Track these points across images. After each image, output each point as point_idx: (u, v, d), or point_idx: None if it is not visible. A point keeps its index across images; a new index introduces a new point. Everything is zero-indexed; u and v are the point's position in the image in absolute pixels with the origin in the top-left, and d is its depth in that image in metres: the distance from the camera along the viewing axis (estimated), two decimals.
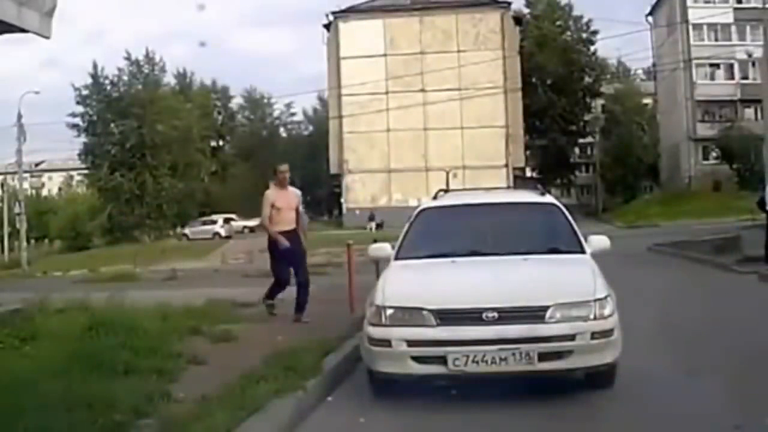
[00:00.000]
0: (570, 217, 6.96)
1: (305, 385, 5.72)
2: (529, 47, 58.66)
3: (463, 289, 5.83)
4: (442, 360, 5.44)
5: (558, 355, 5.40)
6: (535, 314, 5.44)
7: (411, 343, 5.53)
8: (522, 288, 5.75)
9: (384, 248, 7.09)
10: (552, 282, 5.85)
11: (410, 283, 6.13)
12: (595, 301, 5.56)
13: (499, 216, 7.12)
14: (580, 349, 5.41)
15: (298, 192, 10.03)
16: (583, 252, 6.56)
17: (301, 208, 9.84)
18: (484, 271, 6.15)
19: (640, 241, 25.04)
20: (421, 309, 5.57)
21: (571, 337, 5.40)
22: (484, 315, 5.46)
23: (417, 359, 5.51)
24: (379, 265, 7.61)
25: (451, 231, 7.01)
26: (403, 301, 5.72)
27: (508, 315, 5.43)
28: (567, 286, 5.75)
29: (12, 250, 50.28)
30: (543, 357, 5.36)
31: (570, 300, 5.53)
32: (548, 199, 7.48)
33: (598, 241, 6.75)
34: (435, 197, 7.81)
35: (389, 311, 5.69)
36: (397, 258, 6.73)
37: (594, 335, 5.44)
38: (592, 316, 5.50)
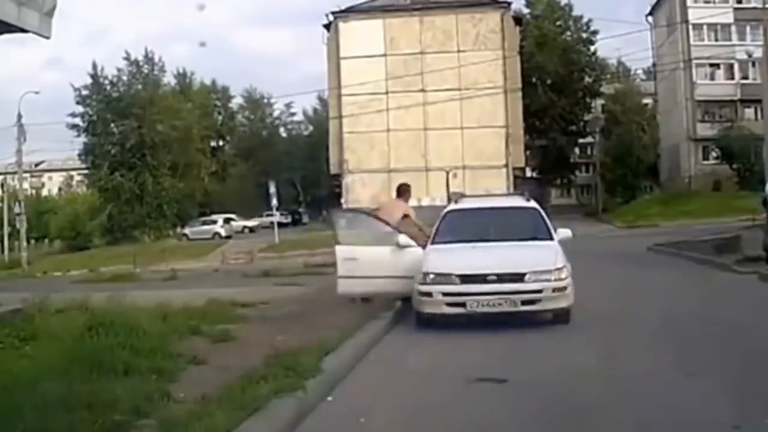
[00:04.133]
0: (545, 216, 10.30)
1: (305, 385, 5.71)
2: (529, 47, 58.57)
3: (474, 262, 9.08)
4: (462, 305, 8.82)
5: (532, 301, 8.75)
6: (519, 277, 8.77)
7: (444, 294, 8.88)
8: (511, 261, 9.00)
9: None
10: (530, 258, 9.13)
11: (442, 258, 9.32)
12: (556, 269, 8.88)
13: (497, 216, 10.46)
14: (546, 298, 8.75)
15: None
16: (552, 239, 9.80)
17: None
18: (487, 251, 9.42)
19: (640, 241, 25.04)
20: (450, 274, 8.95)
21: (540, 291, 8.72)
22: (487, 277, 8.79)
23: (448, 304, 8.88)
24: None
25: (466, 225, 10.29)
26: (439, 269, 9.06)
27: (502, 277, 8.75)
28: (538, 260, 9.02)
29: (12, 250, 50.31)
30: (524, 303, 8.73)
31: (540, 269, 8.85)
32: (531, 204, 10.66)
33: (564, 233, 10.11)
34: (456, 201, 11.38)
35: (431, 275, 9.04)
36: (432, 243, 9.92)
37: (554, 290, 8.76)
38: (553, 279, 8.80)
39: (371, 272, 9.98)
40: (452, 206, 11.06)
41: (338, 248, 10.40)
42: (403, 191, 12.14)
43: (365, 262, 10.11)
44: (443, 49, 50.68)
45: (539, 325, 8.92)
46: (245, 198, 64.31)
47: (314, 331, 7.98)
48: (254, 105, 78.76)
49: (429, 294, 8.93)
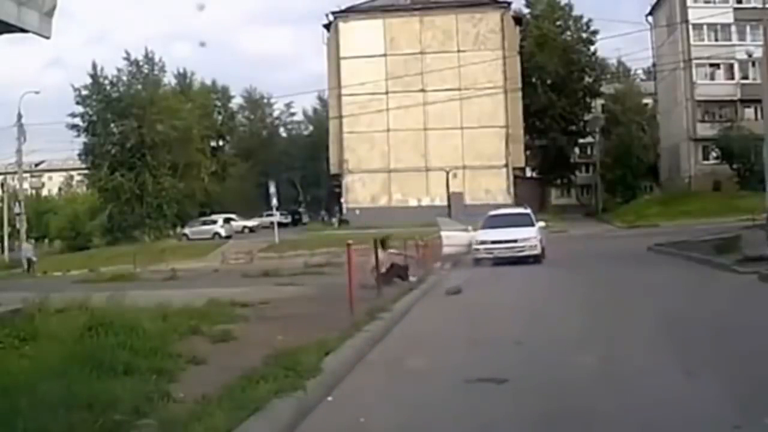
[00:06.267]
0: (533, 215, 23.94)
1: (305, 385, 5.72)
2: (529, 47, 58.55)
3: (498, 236, 21.79)
4: (492, 253, 21.57)
5: (522, 251, 21.50)
6: (515, 241, 21.63)
7: (485, 249, 21.90)
8: (513, 235, 21.71)
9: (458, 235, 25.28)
10: (521, 234, 21.87)
11: (485, 235, 22.37)
12: (532, 238, 21.80)
13: (509, 216, 24.17)
14: (529, 250, 21.57)
15: None
16: (534, 226, 22.62)
17: None
18: (503, 231, 21.92)
19: (641, 241, 25.08)
20: (487, 240, 21.98)
21: (524, 247, 21.58)
22: (503, 242, 21.61)
23: (486, 253, 21.77)
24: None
25: (496, 220, 23.21)
26: (483, 239, 22.23)
27: (509, 242, 21.61)
28: (525, 235, 21.87)
29: (12, 250, 50.25)
30: (518, 251, 21.46)
31: (525, 237, 21.77)
32: (527, 210, 24.92)
33: (540, 224, 23.46)
34: (492, 210, 25.90)
35: (479, 242, 22.28)
36: (481, 229, 22.95)
37: (530, 246, 21.61)
38: (531, 242, 21.68)
39: (460, 243, 23.74)
40: (490, 213, 24.50)
41: (443, 233, 24.64)
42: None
43: (457, 238, 23.76)
44: (443, 49, 50.72)
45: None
46: (245, 198, 64.27)
47: (314, 331, 7.98)
48: (254, 105, 78.74)
49: (478, 250, 21.81)
